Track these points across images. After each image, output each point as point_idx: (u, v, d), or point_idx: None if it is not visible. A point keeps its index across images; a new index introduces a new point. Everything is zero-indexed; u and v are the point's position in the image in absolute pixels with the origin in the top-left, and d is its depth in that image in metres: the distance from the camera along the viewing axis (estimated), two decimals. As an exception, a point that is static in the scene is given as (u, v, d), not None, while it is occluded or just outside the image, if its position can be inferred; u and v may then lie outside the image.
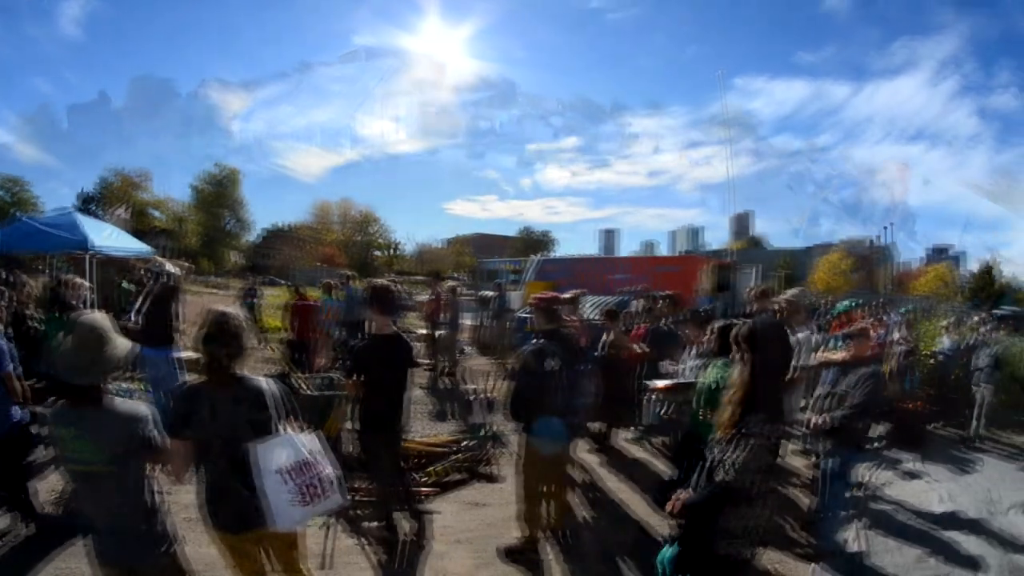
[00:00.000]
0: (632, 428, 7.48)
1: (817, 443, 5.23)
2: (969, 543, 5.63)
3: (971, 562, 5.28)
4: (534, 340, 4.30)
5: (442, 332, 11.44)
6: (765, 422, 2.28)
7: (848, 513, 5.50)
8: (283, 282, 45.17)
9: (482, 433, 6.48)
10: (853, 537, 5.37)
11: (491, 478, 6.01)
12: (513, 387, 4.25)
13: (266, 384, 2.87)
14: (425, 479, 5.66)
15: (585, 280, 16.91)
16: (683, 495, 2.62)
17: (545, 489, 4.56)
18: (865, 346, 4.91)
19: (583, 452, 6.54)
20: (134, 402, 2.96)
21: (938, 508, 6.35)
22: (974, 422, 9.03)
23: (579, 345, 4.52)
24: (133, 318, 6.06)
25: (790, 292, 6.06)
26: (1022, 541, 5.82)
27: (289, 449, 2.79)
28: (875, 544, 5.37)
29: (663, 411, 6.30)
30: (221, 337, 2.74)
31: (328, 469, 2.91)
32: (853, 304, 8.06)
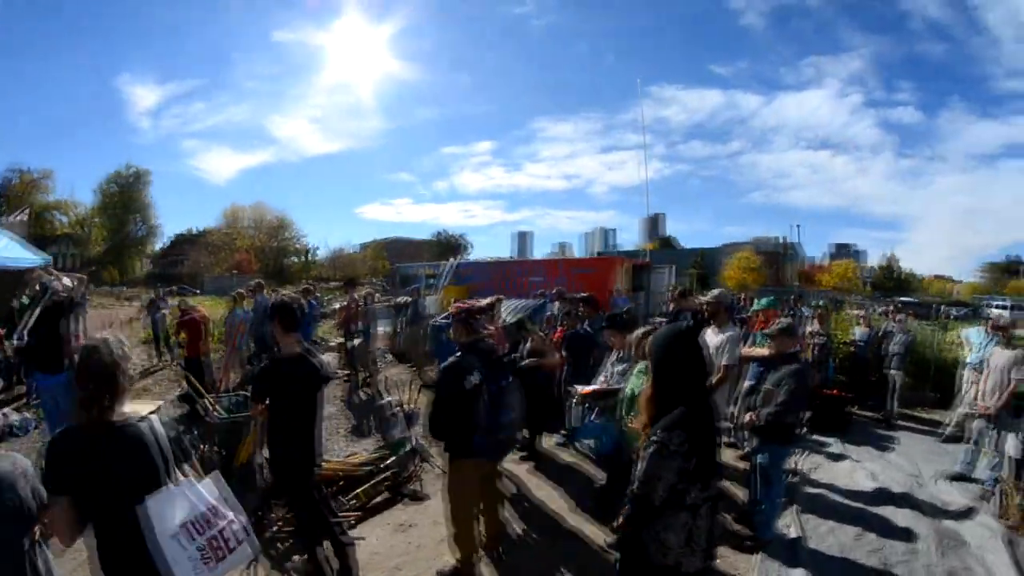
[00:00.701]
0: (558, 432, 7.42)
1: (747, 439, 5.34)
2: (900, 515, 5.91)
3: (905, 533, 5.53)
4: (453, 355, 4.14)
5: (357, 341, 11.08)
6: (668, 428, 2.29)
7: (782, 501, 5.62)
8: (194, 291, 43.02)
9: (404, 449, 6.22)
10: (790, 524, 5.49)
11: (417, 496, 5.77)
12: (433, 406, 4.06)
13: (149, 429, 2.48)
14: (351, 502, 5.38)
15: (502, 283, 17.12)
16: (626, 508, 2.57)
17: (476, 509, 4.39)
18: (787, 344, 5.06)
19: (511, 462, 6.52)
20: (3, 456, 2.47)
21: (867, 486, 6.61)
22: (890, 403, 9.71)
23: (500, 357, 4.37)
24: (21, 337, 5.46)
25: (712, 293, 6.22)
26: (949, 507, 6.21)
27: (184, 503, 2.41)
28: (813, 527, 5.50)
29: (588, 417, 6.35)
30: (92, 376, 2.37)
31: (233, 518, 2.55)
32: (771, 302, 8.38)
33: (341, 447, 7.59)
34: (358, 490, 5.53)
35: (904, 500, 6.29)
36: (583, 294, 10.55)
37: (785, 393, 4.62)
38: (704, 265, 67.62)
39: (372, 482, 5.68)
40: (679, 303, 8.14)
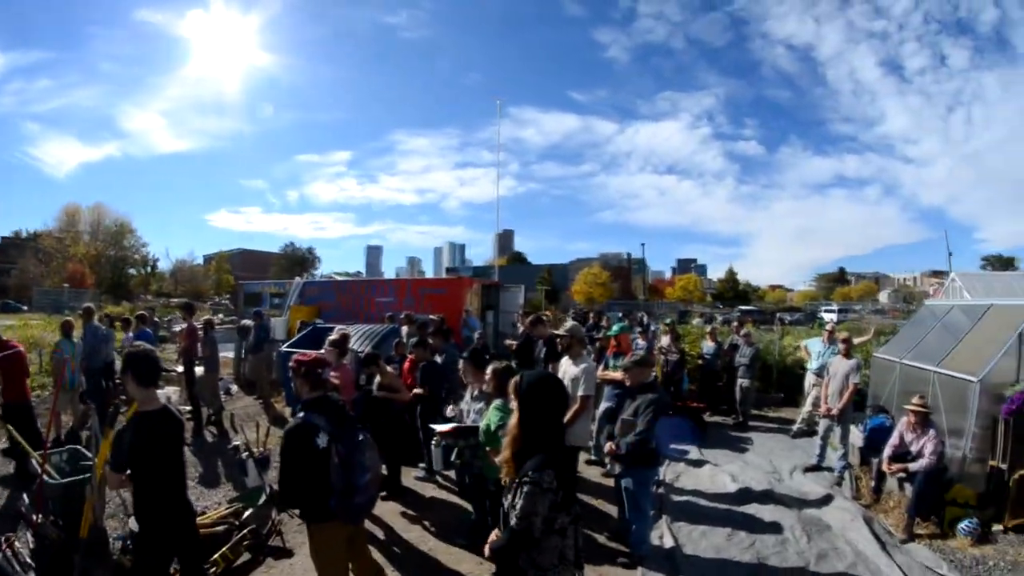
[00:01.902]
0: (419, 466, 7.25)
1: (610, 462, 5.54)
2: (765, 510, 6.36)
3: (773, 526, 5.95)
4: (299, 414, 3.88)
5: (199, 372, 10.06)
6: (537, 468, 2.53)
7: (653, 513, 5.80)
8: (21, 307, 38.22)
9: (260, 499, 5.68)
10: (663, 534, 5.67)
11: (283, 552, 5.30)
12: (281, 473, 3.77)
13: None
14: (211, 570, 4.78)
15: (349, 304, 16.78)
16: (492, 537, 2.80)
17: (346, 570, 4.13)
18: (643, 375, 5.30)
19: (377, 503, 6.12)
20: None
21: (731, 487, 7.02)
22: (741, 408, 10.53)
23: (349, 413, 4.11)
24: None
25: (566, 326, 6.42)
26: (808, 497, 6.79)
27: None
28: (686, 534, 5.71)
29: (451, 456, 6.36)
30: None
31: None
32: (623, 327, 8.84)
33: (191, 500, 6.79)
34: (216, 555, 4.94)
35: (767, 496, 6.77)
36: (433, 317, 10.54)
37: (644, 422, 4.86)
38: (553, 280, 70.20)
39: (231, 543, 5.12)
40: (532, 329, 8.30)
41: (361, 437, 3.74)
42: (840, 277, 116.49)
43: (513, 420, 2.74)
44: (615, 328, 8.65)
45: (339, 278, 49.01)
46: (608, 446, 5.19)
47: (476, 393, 5.66)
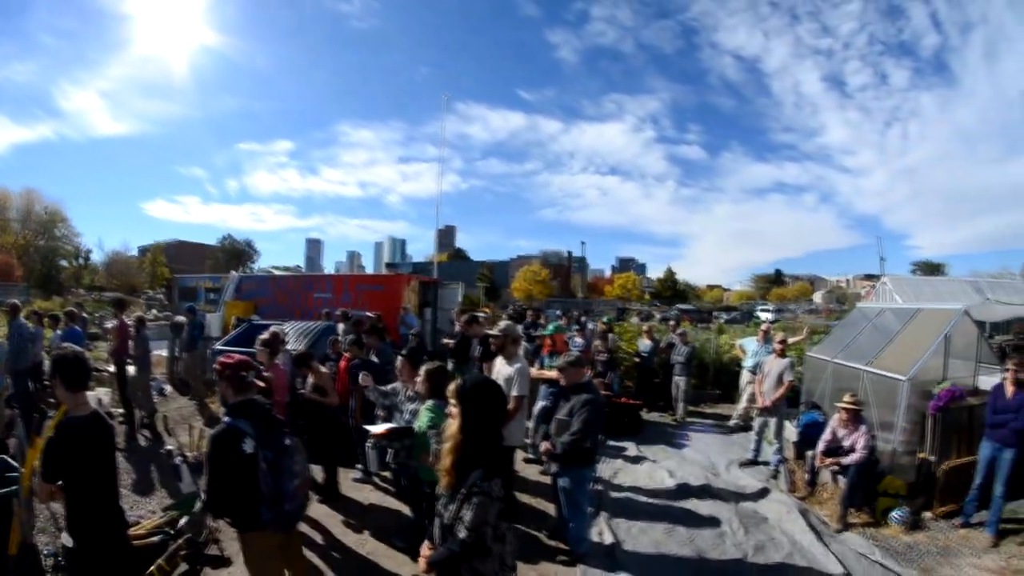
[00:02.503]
0: (356, 467, 7.09)
1: (547, 462, 5.54)
2: (703, 505, 6.48)
3: (711, 520, 6.06)
4: (224, 419, 3.71)
5: (131, 372, 9.56)
6: (485, 479, 2.49)
7: (591, 511, 5.84)
8: None
9: (196, 505, 5.41)
10: (603, 531, 5.69)
11: (220, 561, 5.04)
12: (210, 481, 3.59)
13: None
14: None
15: (286, 299, 16.50)
16: (426, 551, 2.72)
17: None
18: (576, 375, 5.34)
19: (313, 507, 6.06)
20: None
21: (669, 483, 7.13)
22: (678, 405, 10.72)
23: (277, 417, 3.96)
24: None
25: (500, 326, 6.34)
26: (745, 491, 6.97)
27: None
28: (625, 531, 5.75)
29: (387, 457, 6.26)
30: None
31: None
32: (558, 327, 8.90)
33: (125, 510, 6.43)
34: (152, 567, 4.67)
35: (704, 491, 6.90)
36: (370, 314, 10.40)
37: (580, 422, 4.89)
38: (494, 277, 70.39)
39: (167, 553, 4.84)
40: (467, 328, 8.26)
41: (288, 442, 3.62)
42: (776, 278, 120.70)
43: (454, 427, 2.67)
44: (550, 327, 8.73)
45: (277, 272, 47.76)
46: (544, 446, 5.22)
47: (410, 393, 5.58)
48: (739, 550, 5.39)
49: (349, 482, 6.90)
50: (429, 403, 4.62)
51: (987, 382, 6.99)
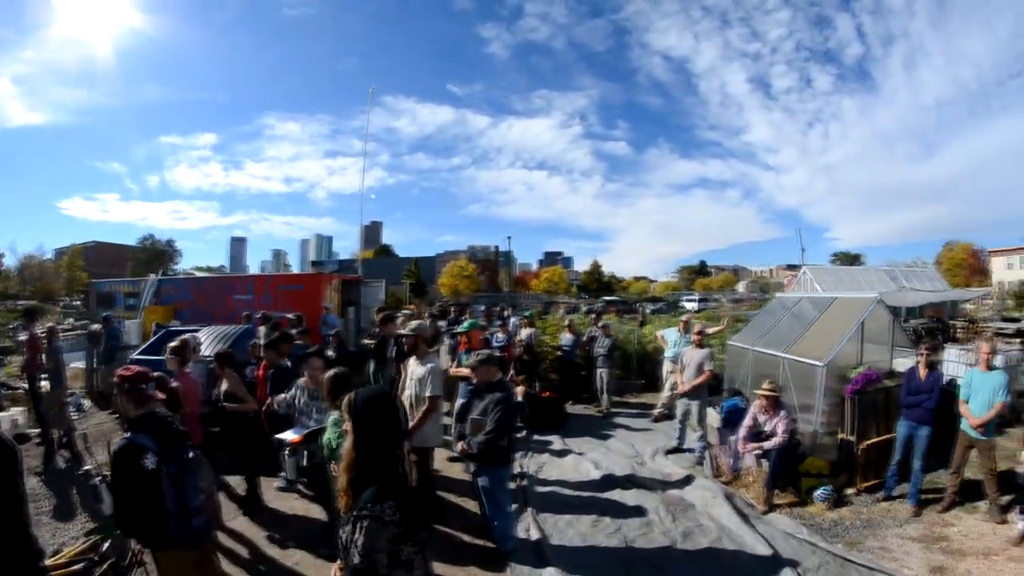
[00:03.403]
0: (279, 475, 6.76)
1: (469, 464, 5.44)
2: (629, 495, 6.47)
3: (637, 509, 6.06)
4: (125, 434, 3.46)
5: (45, 387, 8.88)
6: (376, 501, 2.33)
7: (514, 509, 5.72)
8: None
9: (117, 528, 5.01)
10: (529, 527, 5.60)
11: None
12: (116, 500, 3.38)
13: None
14: None
15: (206, 303, 15.89)
16: (336, 572, 2.59)
17: None
18: (489, 373, 5.27)
19: (233, 520, 5.80)
20: None
21: (594, 475, 7.10)
22: (603, 397, 10.75)
23: (179, 429, 3.72)
24: None
25: (410, 326, 6.18)
26: (670, 478, 7.01)
27: None
28: (552, 525, 5.68)
29: (303, 462, 6.11)
30: None
31: None
32: (473, 324, 8.82)
33: (45, 538, 5.87)
34: None
35: (630, 480, 6.91)
36: (290, 315, 10.16)
37: (494, 420, 4.87)
38: (420, 273, 69.93)
39: None
40: (383, 328, 8.09)
41: (191, 455, 3.45)
42: (701, 269, 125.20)
43: (347, 444, 2.51)
44: (465, 324, 8.65)
45: (199, 274, 45.93)
46: (460, 446, 5.12)
47: (305, 390, 5.54)
48: (667, 537, 5.40)
49: (272, 492, 6.57)
50: (334, 416, 4.41)
51: (903, 364, 7.33)
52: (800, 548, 5.25)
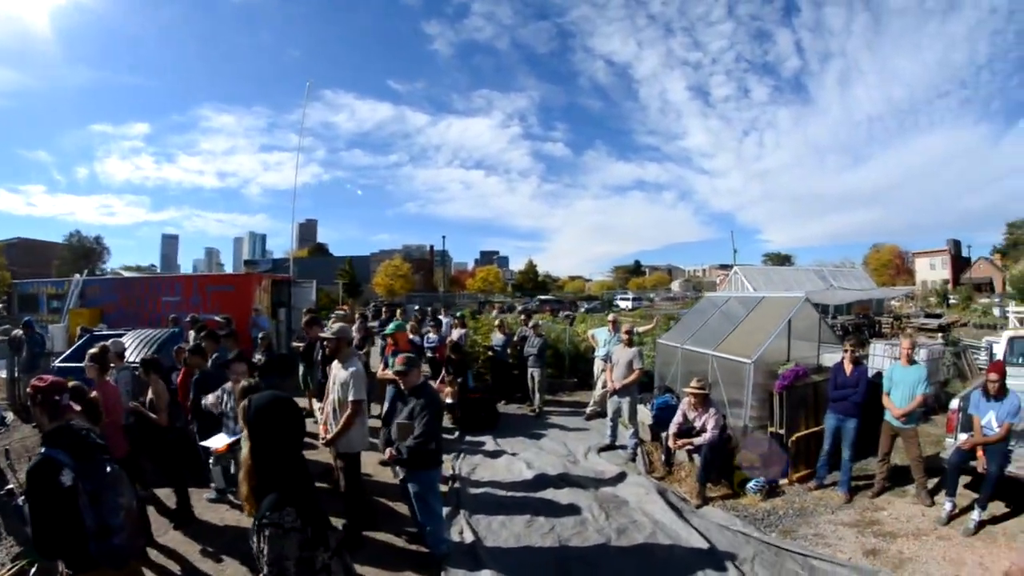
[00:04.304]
0: (210, 486, 6.44)
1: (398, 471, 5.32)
2: (562, 494, 6.41)
3: (571, 508, 6.01)
4: (40, 449, 3.21)
5: None
6: (275, 508, 2.26)
7: (448, 511, 5.67)
8: None
9: None
10: (462, 529, 5.50)
11: None
12: (32, 520, 3.12)
13: None
14: None
15: (134, 305, 15.19)
16: None
17: None
18: (413, 378, 5.17)
19: (163, 536, 5.48)
20: None
21: (527, 475, 7.03)
22: (535, 396, 10.72)
23: (96, 442, 3.49)
24: None
25: (332, 328, 6.00)
26: (603, 476, 7.00)
27: None
28: (485, 527, 5.59)
29: (232, 471, 5.88)
30: None
31: None
32: (398, 325, 8.68)
33: None
34: None
35: (563, 479, 6.87)
36: (218, 318, 9.83)
37: (422, 425, 4.79)
38: (354, 273, 68.89)
39: None
40: (308, 330, 7.95)
41: (109, 469, 3.26)
42: (636, 269, 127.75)
43: (244, 452, 2.41)
44: (391, 326, 8.50)
45: (127, 274, 43.84)
46: (388, 452, 4.96)
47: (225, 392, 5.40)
48: (602, 535, 5.38)
49: (204, 503, 6.23)
50: None
51: (830, 360, 7.58)
52: (735, 539, 5.34)
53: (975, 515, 5.40)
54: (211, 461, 6.12)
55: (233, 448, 4.88)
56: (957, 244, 69.09)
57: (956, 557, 4.93)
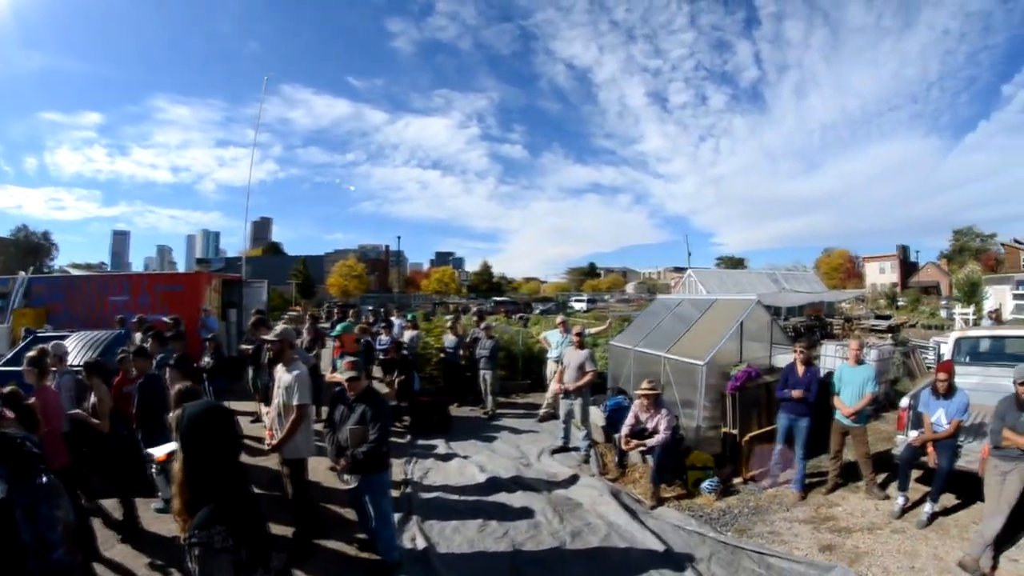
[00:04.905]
0: (157, 495, 6.15)
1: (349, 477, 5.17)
2: (515, 497, 6.36)
3: (524, 511, 5.95)
4: None
5: None
6: (204, 526, 2.10)
7: (400, 516, 5.57)
8: None
9: None
10: (415, 535, 5.39)
11: None
12: None
13: None
14: None
15: (80, 304, 14.53)
16: None
17: None
18: (360, 383, 5.06)
19: (114, 548, 5.26)
20: None
21: (479, 478, 6.96)
22: (487, 399, 10.63)
23: (32, 453, 3.29)
24: None
25: (275, 330, 5.81)
26: (557, 479, 6.97)
27: None
28: (438, 532, 5.49)
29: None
30: None
31: None
32: (346, 327, 8.54)
33: None
34: None
35: (515, 482, 6.81)
36: (167, 319, 9.57)
37: (376, 430, 4.74)
38: (308, 272, 67.97)
39: None
40: (255, 332, 7.80)
41: (45, 480, 3.07)
42: (590, 271, 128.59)
43: (177, 464, 2.28)
44: (338, 328, 8.34)
45: (74, 271, 42.15)
46: (341, 463, 4.83)
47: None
48: (556, 539, 5.33)
49: (151, 514, 5.95)
50: None
51: (782, 361, 7.72)
52: (690, 539, 5.35)
53: (928, 508, 5.56)
54: (154, 470, 5.87)
55: (171, 457, 4.65)
56: (905, 249, 71.46)
57: (911, 549, 5.04)
